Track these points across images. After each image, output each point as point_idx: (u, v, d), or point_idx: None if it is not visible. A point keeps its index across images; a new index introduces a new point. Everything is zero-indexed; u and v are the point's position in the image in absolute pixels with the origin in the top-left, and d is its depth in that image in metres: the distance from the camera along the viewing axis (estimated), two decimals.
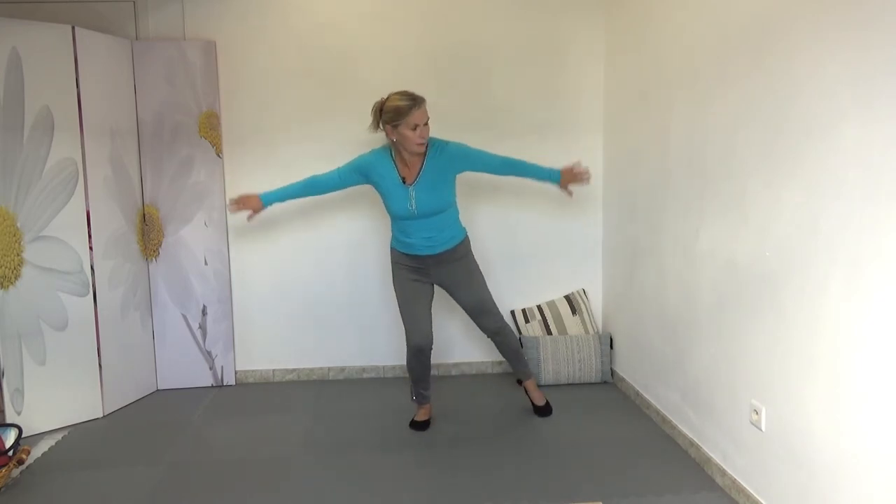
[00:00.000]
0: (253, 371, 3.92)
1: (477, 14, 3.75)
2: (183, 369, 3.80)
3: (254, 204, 3.02)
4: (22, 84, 3.07)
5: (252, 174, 3.78)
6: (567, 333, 3.83)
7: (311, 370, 3.95)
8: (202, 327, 3.80)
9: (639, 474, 2.65)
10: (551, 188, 3.83)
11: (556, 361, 3.70)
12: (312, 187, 3.04)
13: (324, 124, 3.77)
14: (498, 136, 3.80)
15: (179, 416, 3.39)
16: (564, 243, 3.94)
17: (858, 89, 1.75)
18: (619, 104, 3.56)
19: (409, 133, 2.75)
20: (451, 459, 2.83)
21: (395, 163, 2.89)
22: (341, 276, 3.88)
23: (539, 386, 3.65)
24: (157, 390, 3.80)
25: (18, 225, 3.10)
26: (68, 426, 3.29)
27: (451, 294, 3.07)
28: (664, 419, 3.08)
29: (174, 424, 3.29)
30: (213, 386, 3.85)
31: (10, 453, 2.71)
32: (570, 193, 3.17)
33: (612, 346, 3.79)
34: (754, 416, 2.30)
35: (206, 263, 3.76)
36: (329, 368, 3.96)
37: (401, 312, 3.03)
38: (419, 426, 3.16)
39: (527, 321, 3.86)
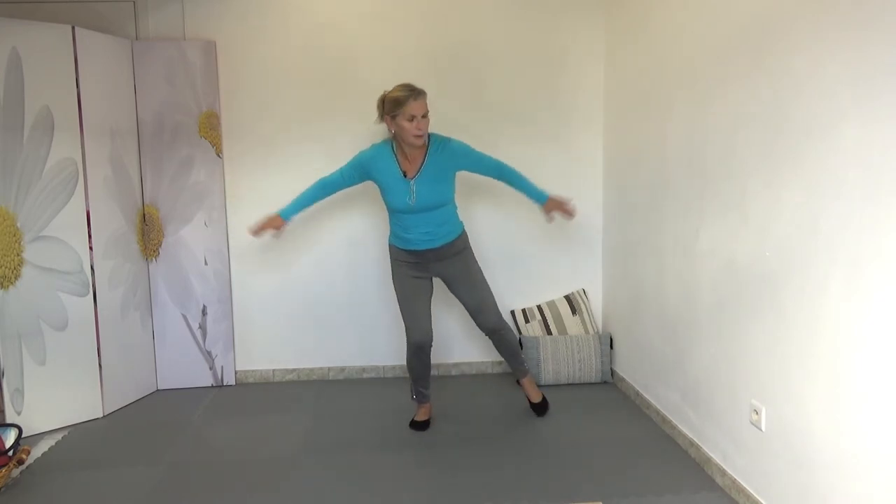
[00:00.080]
0: (253, 371, 3.92)
1: (477, 14, 3.75)
2: (183, 369, 3.80)
3: (276, 223, 3.02)
4: (22, 84, 3.07)
5: (252, 174, 3.78)
6: (567, 333, 3.83)
7: (311, 370, 3.95)
8: (202, 327, 3.80)
9: (639, 474, 2.65)
10: (550, 189, 3.84)
11: (556, 361, 3.70)
12: (322, 190, 3.05)
13: (324, 124, 3.77)
14: (498, 136, 3.80)
15: (179, 416, 3.39)
16: (564, 243, 3.94)
17: (858, 89, 1.75)
18: (619, 104, 3.56)
19: (406, 124, 2.76)
20: (451, 459, 2.83)
21: (396, 156, 2.90)
22: (341, 276, 3.89)
23: (539, 386, 3.65)
24: (157, 390, 3.80)
25: (18, 225, 3.10)
26: (68, 426, 3.30)
27: (451, 289, 3.07)
28: (664, 419, 3.08)
29: (174, 424, 3.29)
30: (213, 386, 3.85)
31: (10, 453, 2.71)
32: (551, 220, 3.17)
33: (612, 346, 3.79)
34: (754, 416, 2.30)
35: (206, 263, 3.76)
36: (329, 368, 3.96)
37: (400, 309, 3.04)
38: (419, 426, 3.16)
39: (527, 321, 3.86)
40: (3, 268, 3.06)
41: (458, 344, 3.97)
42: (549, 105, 3.82)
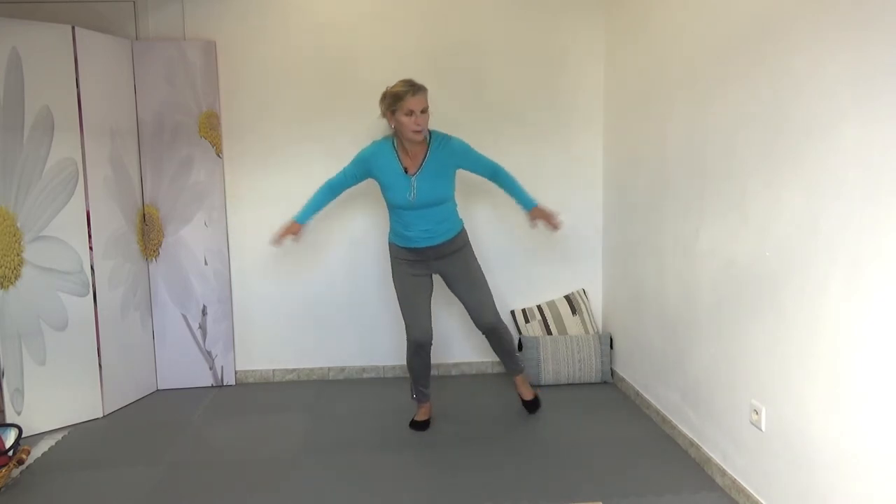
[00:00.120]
0: (253, 371, 3.92)
1: (477, 14, 3.75)
2: (183, 369, 3.80)
3: (294, 229, 3.07)
4: (22, 84, 3.07)
5: (252, 174, 3.78)
6: (567, 333, 3.83)
7: (311, 370, 3.95)
8: (202, 327, 3.80)
9: (639, 474, 2.65)
10: (550, 189, 3.85)
11: (556, 361, 3.70)
12: (329, 192, 3.08)
13: (324, 124, 3.77)
14: (498, 136, 3.80)
15: (179, 416, 3.39)
16: (564, 243, 3.94)
17: (858, 89, 1.75)
18: (619, 104, 3.56)
19: (404, 119, 2.77)
20: (451, 459, 2.83)
21: (397, 152, 2.90)
22: (341, 275, 3.89)
23: (539, 386, 3.66)
24: (157, 390, 3.80)
25: (18, 225, 3.10)
26: (68, 426, 3.29)
27: (451, 287, 3.07)
28: (664, 419, 3.08)
29: (174, 424, 3.29)
30: (213, 386, 3.85)
31: (10, 453, 2.71)
32: (534, 226, 3.20)
33: (612, 346, 3.79)
34: (754, 416, 2.30)
35: (206, 263, 3.76)
36: (329, 368, 3.96)
37: (401, 307, 3.04)
38: (419, 426, 3.16)
39: (527, 321, 3.86)
40: (3, 268, 3.06)
41: (458, 344, 3.97)
42: (549, 105, 3.82)
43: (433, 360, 3.84)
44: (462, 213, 3.28)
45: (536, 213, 3.09)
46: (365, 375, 3.96)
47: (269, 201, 3.80)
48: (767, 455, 2.24)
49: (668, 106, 2.92)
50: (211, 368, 3.83)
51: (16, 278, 3.10)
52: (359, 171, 2.99)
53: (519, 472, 2.70)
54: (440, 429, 3.16)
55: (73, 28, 3.18)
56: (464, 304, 3.08)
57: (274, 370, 3.93)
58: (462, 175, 3.10)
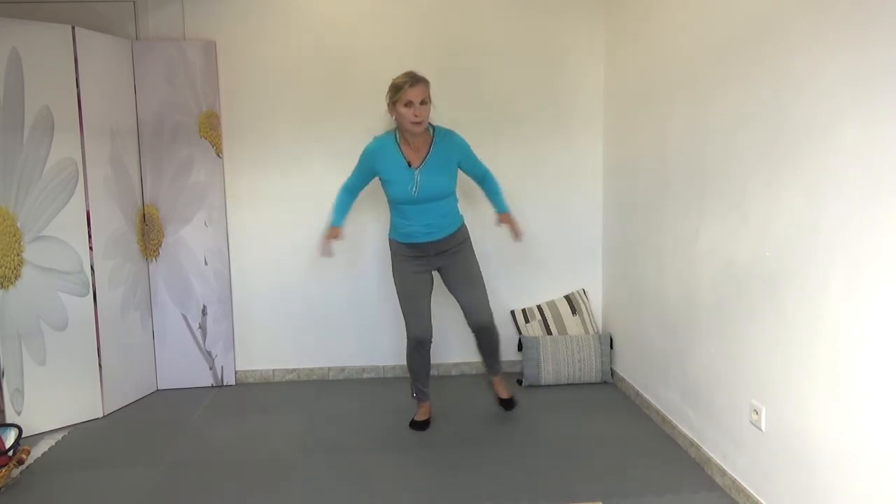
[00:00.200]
0: (253, 371, 3.92)
1: (477, 14, 3.75)
2: (183, 369, 3.80)
3: (335, 233, 3.12)
4: (22, 84, 3.07)
5: (252, 174, 3.78)
6: (567, 333, 3.83)
7: (311, 370, 3.95)
8: (202, 327, 3.80)
9: (639, 474, 2.65)
10: (550, 189, 3.86)
11: (556, 361, 3.70)
12: (348, 194, 3.12)
13: (323, 124, 3.77)
14: (498, 136, 3.81)
15: (179, 416, 3.39)
16: (564, 243, 3.94)
17: (858, 89, 1.75)
18: (619, 104, 3.56)
19: (403, 110, 2.79)
20: (451, 459, 2.83)
21: (399, 146, 2.91)
22: (341, 275, 3.88)
23: (539, 386, 3.66)
24: (157, 390, 3.80)
25: (18, 225, 3.10)
26: (68, 426, 3.29)
27: (448, 284, 3.07)
28: (664, 419, 3.08)
29: (174, 424, 3.29)
30: (213, 386, 3.85)
31: (10, 453, 2.71)
32: (499, 225, 3.25)
33: (612, 346, 3.79)
34: (754, 416, 2.30)
35: (206, 263, 3.76)
36: (329, 368, 3.96)
37: (401, 305, 3.04)
38: (419, 426, 3.16)
39: (527, 321, 3.86)
40: (3, 268, 3.06)
41: (458, 344, 3.96)
42: (549, 105, 3.82)
43: (433, 360, 3.83)
44: (462, 212, 3.28)
45: (505, 218, 3.20)
46: (365, 375, 3.96)
47: (269, 201, 3.80)
48: (767, 455, 2.24)
49: (668, 106, 2.92)
50: (211, 368, 3.83)
51: (16, 278, 3.10)
52: (365, 168, 3.00)
53: (519, 472, 2.70)
54: (440, 429, 3.16)
55: (73, 28, 3.18)
56: (460, 302, 3.08)
57: (274, 370, 3.93)
58: (462, 175, 3.10)
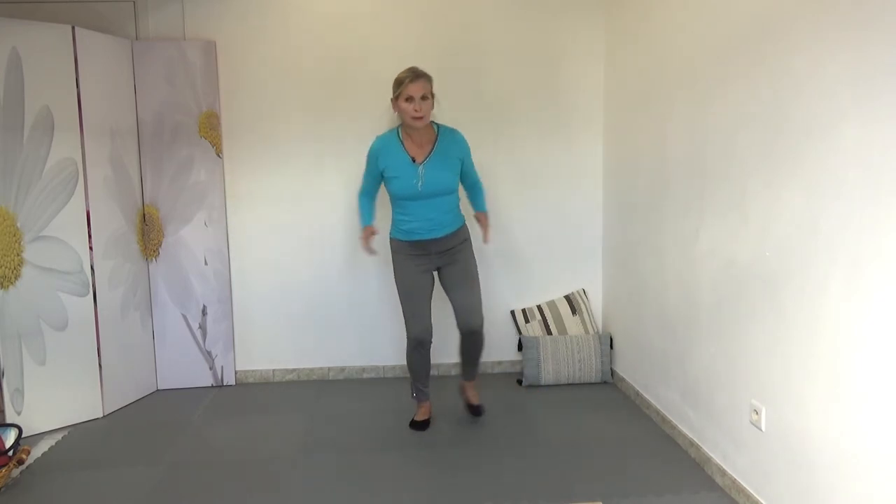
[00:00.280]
0: (253, 371, 3.92)
1: (477, 14, 3.75)
2: (183, 369, 3.80)
3: (371, 231, 3.12)
4: (22, 84, 3.07)
5: (252, 174, 3.78)
6: (567, 333, 3.83)
7: (311, 370, 3.95)
8: (202, 327, 3.80)
9: (639, 474, 2.65)
10: (550, 189, 3.86)
11: (556, 361, 3.70)
12: (367, 198, 3.14)
13: (324, 124, 3.77)
14: (498, 136, 3.81)
15: (179, 416, 3.39)
16: (564, 243, 3.94)
17: (858, 89, 1.75)
18: (619, 104, 3.56)
19: (404, 105, 2.81)
20: (451, 459, 2.83)
21: (402, 142, 2.92)
22: (341, 275, 3.88)
23: (539, 386, 3.66)
24: (157, 390, 3.80)
25: (18, 225, 3.10)
26: (68, 426, 3.29)
27: (445, 284, 3.06)
28: (664, 419, 3.08)
29: (174, 424, 3.29)
30: (213, 386, 3.85)
31: (10, 453, 2.71)
32: (474, 218, 3.26)
33: (612, 346, 3.79)
34: (754, 416, 2.30)
35: (206, 263, 3.76)
36: (329, 368, 3.96)
37: (401, 303, 3.04)
38: (419, 426, 3.16)
39: (527, 321, 3.86)
40: (3, 268, 3.06)
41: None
42: (549, 105, 3.82)
43: (433, 360, 3.83)
44: (463, 212, 3.28)
45: (481, 217, 3.21)
46: (365, 375, 3.96)
47: (269, 201, 3.80)
48: (767, 455, 2.24)
49: (668, 106, 2.92)
50: (211, 368, 3.83)
51: (16, 278, 3.10)
52: (372, 168, 3.00)
53: (519, 472, 2.70)
54: (440, 429, 3.16)
55: (73, 28, 3.18)
56: (454, 303, 3.05)
57: (274, 370, 3.93)
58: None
